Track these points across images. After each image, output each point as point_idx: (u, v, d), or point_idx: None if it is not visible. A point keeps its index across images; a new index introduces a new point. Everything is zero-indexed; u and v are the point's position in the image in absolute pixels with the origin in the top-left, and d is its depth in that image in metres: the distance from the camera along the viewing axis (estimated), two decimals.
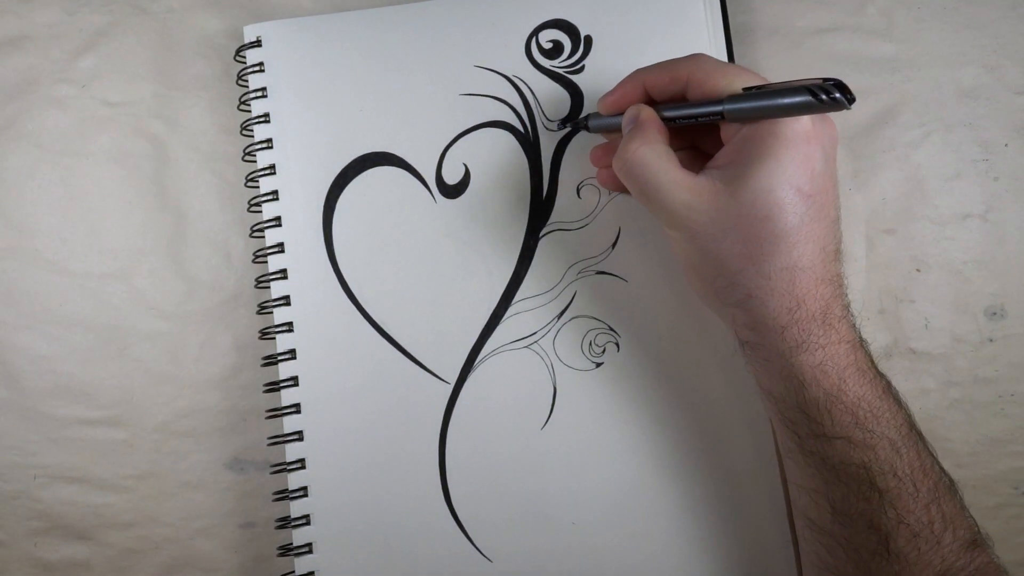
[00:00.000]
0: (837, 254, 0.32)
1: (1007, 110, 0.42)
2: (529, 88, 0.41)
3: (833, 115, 0.31)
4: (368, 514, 0.40)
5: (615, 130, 0.36)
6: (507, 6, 0.42)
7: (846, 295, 0.33)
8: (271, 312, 0.41)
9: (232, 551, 0.43)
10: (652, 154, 0.32)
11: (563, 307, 0.40)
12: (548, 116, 0.41)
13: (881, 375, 0.32)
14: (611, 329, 0.40)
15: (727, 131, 0.33)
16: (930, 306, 0.42)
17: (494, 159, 0.41)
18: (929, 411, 0.41)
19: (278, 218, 0.41)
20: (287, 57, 0.42)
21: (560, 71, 0.41)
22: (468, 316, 0.40)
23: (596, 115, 0.37)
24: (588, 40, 0.41)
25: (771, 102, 0.30)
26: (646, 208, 0.34)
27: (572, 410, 0.40)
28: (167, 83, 0.44)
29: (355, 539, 0.40)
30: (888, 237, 0.42)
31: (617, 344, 0.40)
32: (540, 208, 0.41)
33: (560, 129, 0.41)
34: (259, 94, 0.42)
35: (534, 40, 0.41)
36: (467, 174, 0.41)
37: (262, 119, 0.42)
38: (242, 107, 0.43)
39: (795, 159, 0.30)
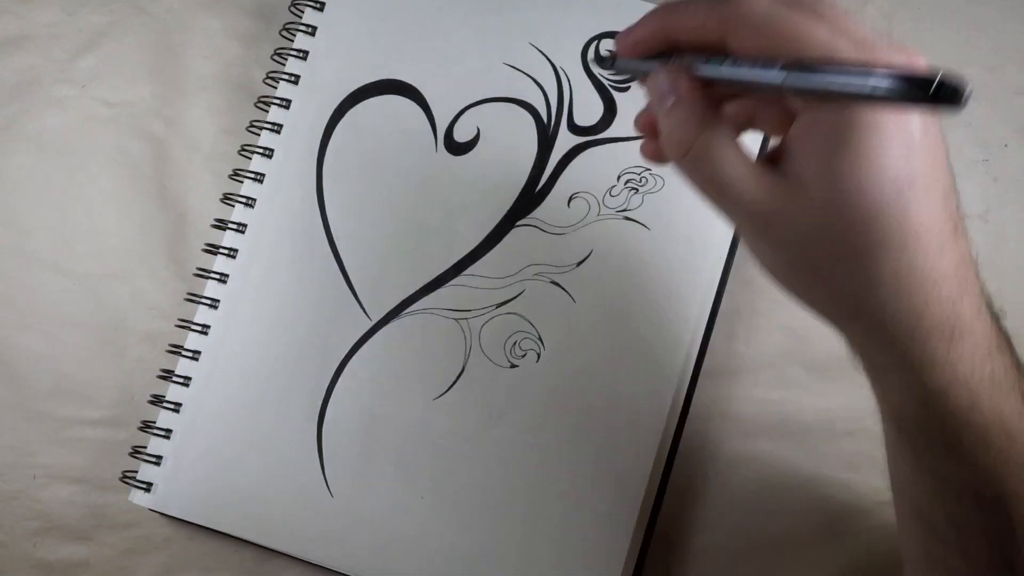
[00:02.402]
0: (956, 233, 0.25)
1: (1007, 110, 0.42)
2: (570, 85, 0.41)
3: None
4: (242, 405, 0.41)
5: (642, 75, 0.29)
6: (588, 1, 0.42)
7: (978, 281, 0.26)
8: (233, 205, 0.42)
9: (233, 551, 0.43)
10: (716, 145, 0.25)
11: (505, 299, 0.40)
12: (578, 119, 0.41)
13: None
14: (539, 339, 0.40)
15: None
16: None
17: (508, 136, 0.42)
18: None
19: (280, 126, 0.42)
20: None
21: (606, 82, 0.41)
22: (416, 267, 0.41)
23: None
24: None
25: (848, 83, 0.21)
26: (705, 200, 0.27)
27: (470, 395, 0.40)
28: (167, 83, 0.44)
29: (219, 424, 0.41)
30: None
31: (538, 355, 0.40)
32: (528, 199, 0.41)
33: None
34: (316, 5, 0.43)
35: (595, 43, 0.42)
36: (476, 138, 0.42)
37: (307, 30, 0.43)
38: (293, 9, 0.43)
39: (884, 140, 0.23)
